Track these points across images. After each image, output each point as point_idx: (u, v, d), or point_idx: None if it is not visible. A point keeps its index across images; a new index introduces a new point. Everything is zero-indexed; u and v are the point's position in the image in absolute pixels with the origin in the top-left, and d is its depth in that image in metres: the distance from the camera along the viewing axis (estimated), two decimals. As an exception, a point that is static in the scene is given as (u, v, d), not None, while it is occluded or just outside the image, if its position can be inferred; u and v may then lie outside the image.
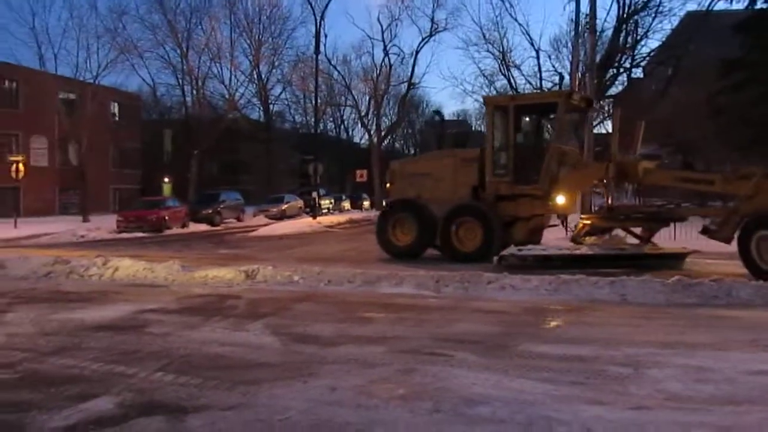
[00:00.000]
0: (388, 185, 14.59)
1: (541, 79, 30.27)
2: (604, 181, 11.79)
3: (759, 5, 24.09)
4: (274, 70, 46.52)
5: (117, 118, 43.94)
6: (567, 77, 28.71)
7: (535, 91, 31.23)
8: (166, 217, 25.36)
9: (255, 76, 45.45)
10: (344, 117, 58.11)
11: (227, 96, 42.72)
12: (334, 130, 62.32)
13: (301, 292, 8.65)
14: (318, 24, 32.28)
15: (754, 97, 22.64)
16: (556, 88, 30.22)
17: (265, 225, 27.70)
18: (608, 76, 28.20)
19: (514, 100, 13.10)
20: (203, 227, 27.51)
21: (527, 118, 13.33)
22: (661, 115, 27.67)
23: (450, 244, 12.41)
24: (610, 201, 11.82)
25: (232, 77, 42.88)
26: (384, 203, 18.33)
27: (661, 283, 8.31)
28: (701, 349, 5.38)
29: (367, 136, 49.33)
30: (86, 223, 28.06)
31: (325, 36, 50.78)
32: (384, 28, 44.62)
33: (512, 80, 31.18)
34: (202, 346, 5.51)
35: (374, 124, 47.26)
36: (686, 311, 7.27)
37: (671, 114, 27.30)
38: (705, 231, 10.63)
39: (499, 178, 12.47)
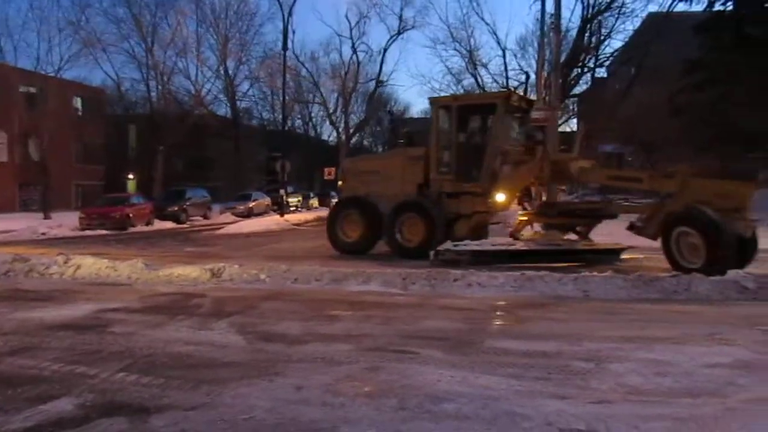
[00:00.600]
0: (339, 183, 14.88)
1: (507, 78, 30.58)
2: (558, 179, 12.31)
3: (717, 7, 24.73)
4: (241, 66, 46.17)
5: (80, 113, 43.07)
6: (533, 76, 29.03)
7: (501, 89, 31.56)
8: (131, 215, 24.96)
9: (222, 72, 45.05)
10: (312, 114, 57.83)
11: (194, 92, 42.26)
12: (302, 127, 62.02)
13: (267, 290, 8.60)
14: (286, 20, 32.10)
15: (713, 97, 23.23)
16: (522, 86, 30.52)
17: (232, 223, 27.47)
18: (573, 75, 28.61)
19: (456, 101, 13.62)
20: (169, 225, 27.16)
21: (471, 118, 13.67)
22: (624, 114, 28.21)
23: (395, 239, 12.81)
24: (545, 198, 12.37)
25: (199, 73, 42.46)
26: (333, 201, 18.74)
27: (622, 279, 8.48)
28: (661, 343, 5.50)
29: (335, 134, 49.21)
30: (47, 220, 27.47)
31: (293, 32, 50.59)
32: (352, 25, 44.57)
33: (479, 79, 31.46)
34: (166, 345, 5.44)
35: (342, 121, 47.17)
36: (647, 306, 7.43)
37: (634, 113, 27.83)
38: (632, 227, 10.97)
39: (442, 175, 12.90)
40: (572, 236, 12.12)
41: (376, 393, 4.16)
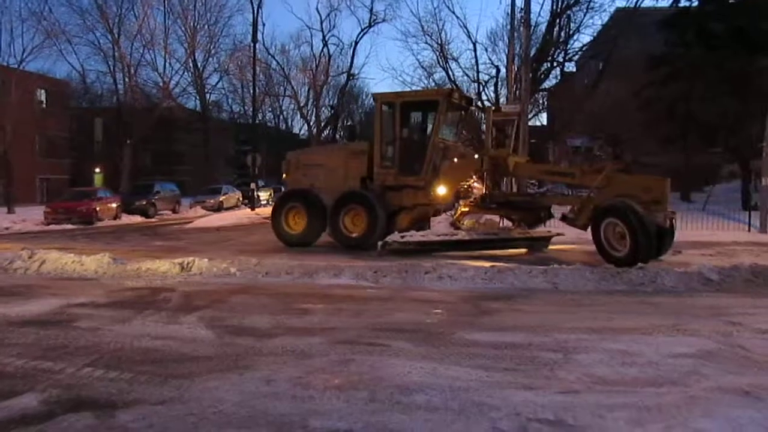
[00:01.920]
0: (284, 176, 15.09)
1: (477, 71, 30.65)
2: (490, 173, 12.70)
3: (682, 3, 25.14)
4: (210, 59, 45.52)
5: (44, 106, 42.12)
6: (503, 70, 29.21)
7: (472, 83, 31.71)
8: (97, 209, 24.55)
9: (190, 65, 44.34)
10: (283, 107, 57.43)
11: (161, 84, 41.49)
12: (272, 121, 61.55)
13: (237, 284, 8.54)
14: (255, 12, 31.76)
15: (676, 92, 23.63)
16: (493, 80, 30.73)
17: (202, 216, 27.19)
18: (543, 69, 28.85)
19: (400, 97, 13.84)
20: (137, 219, 26.76)
21: (413, 114, 14.12)
22: (592, 108, 28.54)
23: (338, 230, 13.14)
24: (485, 190, 12.79)
25: (167, 65, 41.70)
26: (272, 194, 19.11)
27: (591, 272, 8.62)
28: (627, 334, 5.60)
29: (306, 127, 48.95)
30: (11, 215, 26.86)
31: (263, 25, 50.20)
32: (323, 18, 44.25)
33: (450, 72, 31.44)
34: (134, 340, 5.37)
35: (314, 114, 46.94)
36: (614, 298, 7.56)
37: (602, 107, 28.18)
38: (564, 218, 11.75)
39: (385, 169, 13.26)
40: (509, 224, 13.22)
41: (347, 385, 4.17)
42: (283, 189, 17.91)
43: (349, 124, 43.73)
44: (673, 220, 11.14)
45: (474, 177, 12.93)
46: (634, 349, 5.05)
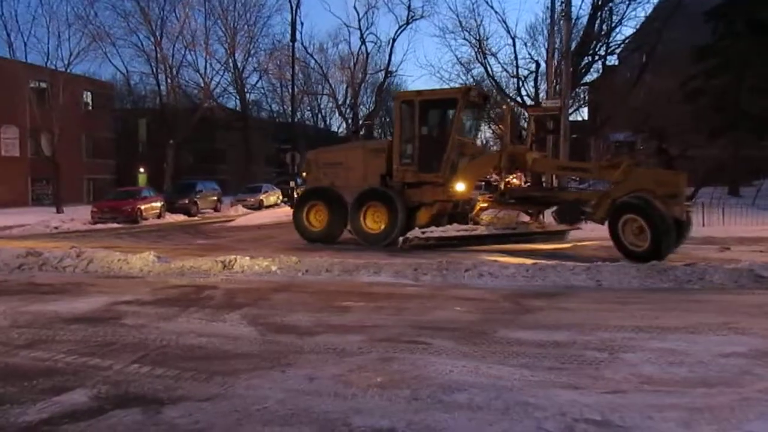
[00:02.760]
0: (304, 174, 15.59)
1: (517, 66, 30.28)
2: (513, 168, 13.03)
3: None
4: (249, 59, 45.91)
5: (90, 108, 43.19)
6: (543, 65, 28.81)
7: (511, 78, 31.38)
8: (142, 208, 25.07)
9: (230, 65, 44.83)
10: (321, 106, 57.71)
11: (202, 84, 42.09)
12: (311, 119, 61.94)
13: (278, 282, 8.61)
14: (294, 11, 32.07)
15: (724, 84, 22.99)
16: (533, 75, 30.33)
17: (243, 215, 27.54)
18: (583, 63, 28.37)
19: (419, 96, 14.05)
20: (180, 217, 27.25)
21: (432, 112, 14.31)
22: (635, 102, 27.93)
23: (359, 227, 13.44)
24: (503, 185, 12.98)
25: (207, 65, 42.25)
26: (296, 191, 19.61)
27: (635, 269, 8.43)
28: (675, 333, 5.46)
29: (344, 125, 49.14)
30: (60, 214, 27.62)
31: (301, 24, 50.54)
32: (360, 15, 44.39)
33: (489, 68, 31.14)
34: (179, 337, 5.46)
35: (352, 112, 47.06)
36: (660, 295, 7.38)
37: (645, 101, 27.56)
38: (582, 213, 11.98)
39: (405, 166, 13.53)
40: (526, 218, 13.37)
41: (388, 384, 4.15)
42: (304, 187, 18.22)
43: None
44: (690, 213, 11.30)
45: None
46: (683, 348, 4.92)
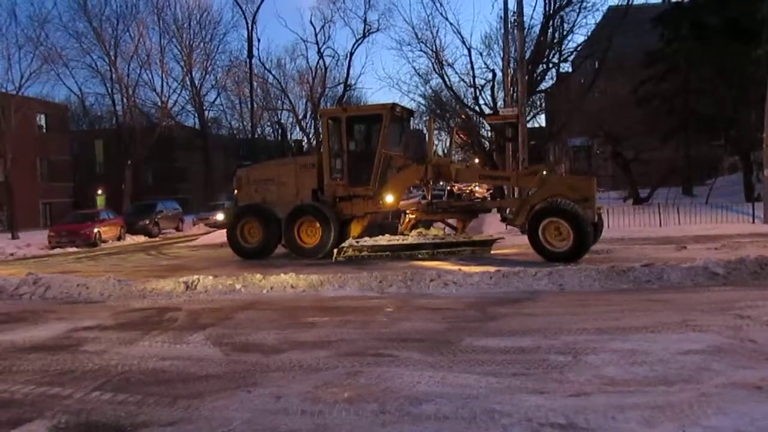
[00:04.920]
0: (235, 192, 15.69)
1: (474, 76, 30.59)
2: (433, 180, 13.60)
3: (674, -2, 25.24)
4: (207, 76, 45.60)
5: (44, 130, 42.27)
6: (499, 74, 29.24)
7: (469, 88, 31.71)
8: (100, 230, 24.56)
9: (188, 83, 44.44)
10: (282, 121, 57.52)
11: (160, 103, 41.60)
12: (272, 135, 61.62)
13: (243, 300, 8.53)
14: (250, 28, 31.95)
15: (675, 86, 23.67)
16: (490, 84, 30.74)
17: (206, 234, 27.15)
18: (539, 71, 28.82)
19: (345, 112, 14.71)
20: (141, 239, 26.76)
21: (358, 128, 14.86)
22: (590, 107, 28.53)
23: (293, 241, 13.85)
24: (429, 197, 13.77)
25: (164, 84, 41.79)
26: (226, 210, 19.79)
27: (596, 271, 8.59)
28: (636, 333, 5.57)
29: (306, 139, 49.01)
30: (15, 240, 26.89)
31: (258, 40, 50.24)
32: (317, 30, 44.24)
33: (446, 78, 31.40)
34: (141, 361, 5.36)
35: (312, 127, 46.97)
36: (621, 297, 7.53)
37: (600, 106, 28.16)
38: (504, 219, 13.06)
39: (335, 181, 14.00)
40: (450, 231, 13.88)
41: (356, 398, 4.14)
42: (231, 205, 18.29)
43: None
44: (601, 215, 12.25)
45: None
46: (644, 348, 5.03)
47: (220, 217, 26.85)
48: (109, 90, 41.29)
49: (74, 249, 22.49)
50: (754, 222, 15.69)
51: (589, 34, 29.47)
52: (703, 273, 8.29)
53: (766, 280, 8.03)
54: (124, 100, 40.70)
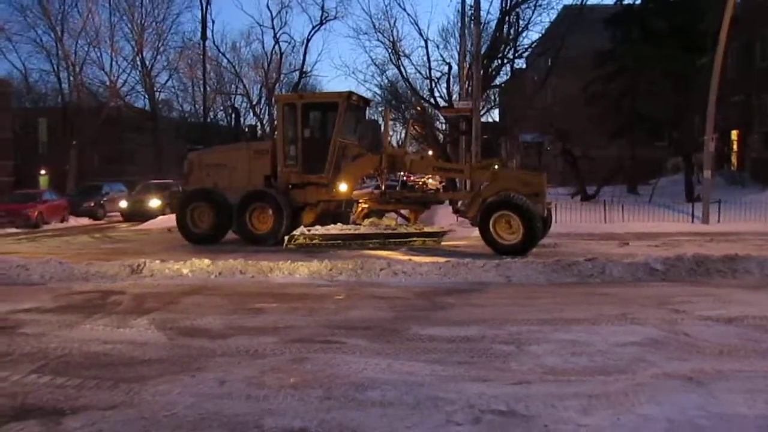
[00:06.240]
0: (186, 176, 15.48)
1: (430, 68, 30.65)
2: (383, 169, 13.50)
3: (626, 0, 25.80)
4: (159, 57, 44.25)
5: (-16, 106, 40.60)
6: (455, 67, 29.43)
7: (425, 80, 31.83)
8: (43, 211, 23.79)
9: (138, 63, 43.15)
10: (236, 105, 56.64)
11: (108, 83, 40.38)
12: (225, 119, 60.64)
13: (190, 285, 8.41)
14: (204, 9, 31.24)
15: (623, 87, 24.25)
16: (446, 77, 30.91)
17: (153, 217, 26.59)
18: (494, 66, 29.14)
19: (301, 99, 14.67)
20: (85, 221, 26.01)
21: (314, 115, 14.78)
22: (542, 104, 29.01)
23: (245, 228, 13.69)
24: (383, 187, 13.68)
25: (114, 63, 40.45)
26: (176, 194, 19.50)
27: (542, 264, 8.77)
28: (577, 324, 5.74)
29: (260, 126, 48.44)
30: (-50, 220, 25.79)
31: (212, 22, 49.35)
32: (273, 15, 43.54)
33: (403, 69, 31.42)
34: (82, 345, 5.24)
35: (266, 113, 46.39)
36: (565, 289, 7.72)
37: (551, 103, 28.68)
38: (456, 211, 13.21)
39: (289, 168, 13.86)
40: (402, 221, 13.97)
41: (302, 384, 4.15)
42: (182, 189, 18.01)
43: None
44: (550, 210, 12.48)
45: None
46: (584, 339, 5.18)
47: (123, 204, 25.87)
48: (55, 67, 39.82)
49: (14, 230, 21.70)
50: (693, 221, 16.25)
51: (544, 31, 29.98)
52: (643, 269, 8.56)
53: (701, 277, 8.35)
54: (71, 78, 39.37)
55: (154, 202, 25.17)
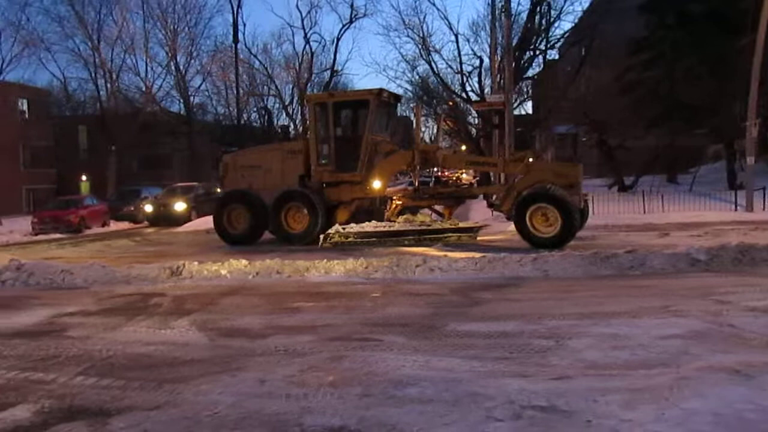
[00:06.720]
0: (222, 178, 15.76)
1: (461, 63, 30.59)
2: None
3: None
4: (192, 61, 45.07)
5: (26, 116, 41.72)
6: (486, 60, 29.23)
7: (456, 74, 31.71)
8: (84, 216, 24.36)
9: (172, 68, 43.96)
10: (269, 106, 57.13)
11: (144, 89, 41.25)
12: (258, 121, 61.25)
13: (228, 286, 8.52)
14: (235, 12, 31.70)
15: (659, 75, 23.74)
16: (477, 71, 30.72)
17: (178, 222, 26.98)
18: (526, 58, 28.88)
19: (332, 98, 14.79)
20: (125, 225, 26.57)
21: (345, 113, 14.89)
22: (576, 94, 28.60)
23: (280, 227, 13.90)
24: (416, 183, 13.72)
25: (149, 69, 41.40)
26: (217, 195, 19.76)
27: (580, 257, 8.65)
28: (617, 318, 5.64)
29: (292, 125, 48.81)
30: (-2, 227, 26.60)
31: (244, 24, 49.89)
32: (303, 15, 43.90)
33: (433, 65, 31.37)
34: (125, 346, 5.35)
35: (299, 113, 46.70)
36: (603, 282, 7.60)
37: (585, 93, 28.24)
38: (490, 205, 13.08)
39: (322, 167, 14.04)
40: (437, 217, 14.04)
41: (340, 382, 4.17)
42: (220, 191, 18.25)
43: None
44: (586, 202, 12.41)
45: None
46: (625, 333, 5.09)
47: (148, 209, 25.24)
48: (93, 75, 40.84)
49: (58, 235, 22.29)
50: (736, 210, 15.86)
51: (576, 21, 29.58)
52: (685, 259, 8.39)
53: (746, 267, 8.14)
54: (108, 85, 40.34)
55: (180, 206, 25.02)
